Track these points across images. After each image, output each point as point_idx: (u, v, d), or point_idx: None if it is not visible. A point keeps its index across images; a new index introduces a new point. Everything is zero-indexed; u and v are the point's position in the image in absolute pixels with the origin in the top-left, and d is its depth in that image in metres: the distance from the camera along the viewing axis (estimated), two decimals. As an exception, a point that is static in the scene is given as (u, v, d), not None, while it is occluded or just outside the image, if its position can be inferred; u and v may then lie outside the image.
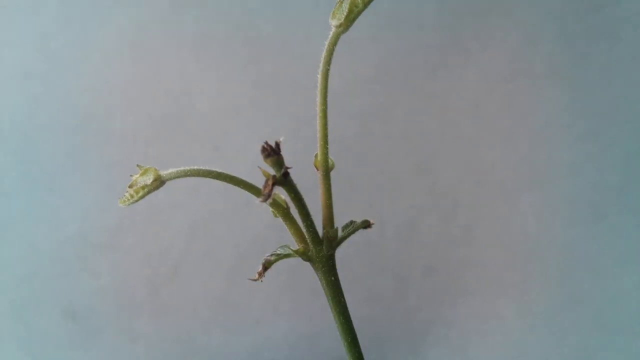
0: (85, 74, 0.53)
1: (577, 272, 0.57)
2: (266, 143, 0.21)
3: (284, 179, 0.22)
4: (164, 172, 0.24)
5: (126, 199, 0.24)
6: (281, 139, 0.22)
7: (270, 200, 0.22)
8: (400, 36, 0.55)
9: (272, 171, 0.22)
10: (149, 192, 0.24)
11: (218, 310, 0.57)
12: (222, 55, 0.53)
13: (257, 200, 0.21)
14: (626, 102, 0.55)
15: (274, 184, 0.21)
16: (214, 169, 0.24)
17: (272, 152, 0.21)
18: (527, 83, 0.56)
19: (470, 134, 0.56)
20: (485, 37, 0.55)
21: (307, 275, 0.55)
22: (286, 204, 0.24)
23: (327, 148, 0.23)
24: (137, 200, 0.24)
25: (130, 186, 0.24)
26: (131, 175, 0.24)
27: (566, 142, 0.55)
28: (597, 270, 0.56)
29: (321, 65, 0.23)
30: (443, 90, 0.56)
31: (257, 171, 0.22)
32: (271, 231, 0.55)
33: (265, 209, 0.46)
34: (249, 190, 0.23)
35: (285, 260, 0.59)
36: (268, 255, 0.24)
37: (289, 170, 0.22)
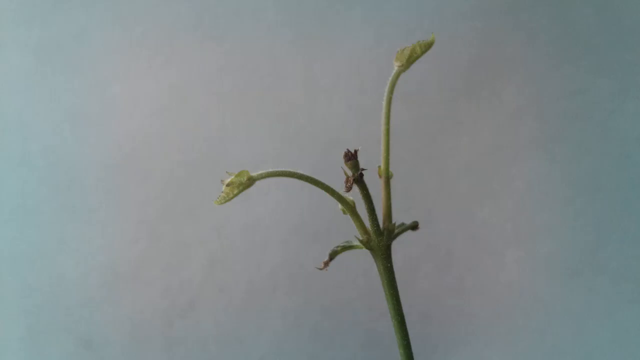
0: (133, 119, 0.59)
1: (556, 325, 0.62)
2: (348, 150, 0.28)
3: (360, 178, 0.28)
4: (254, 174, 0.28)
5: (222, 198, 0.27)
6: (359, 148, 0.28)
7: (350, 191, 0.28)
8: (406, 109, 0.63)
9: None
10: (243, 190, 0.28)
11: (226, 345, 0.60)
12: (257, 108, 0.60)
13: (342, 191, 0.27)
14: (596, 175, 0.63)
15: (353, 181, 0.27)
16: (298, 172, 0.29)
17: (352, 157, 0.28)
18: (511, 153, 0.64)
19: (463, 194, 0.63)
20: (475, 111, 0.64)
21: (311, 318, 0.60)
22: (353, 202, 0.30)
23: (388, 160, 0.29)
24: (231, 198, 0.27)
25: (228, 185, 0.27)
26: (222, 181, 0.28)
27: (546, 206, 0.63)
28: (575, 325, 0.62)
29: (386, 94, 0.29)
30: (440, 154, 0.63)
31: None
32: (282, 269, 0.60)
33: (280, 247, 0.52)
34: (325, 190, 0.29)
35: (292, 303, 0.64)
36: (335, 247, 0.30)
37: (363, 172, 0.28)
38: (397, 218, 0.30)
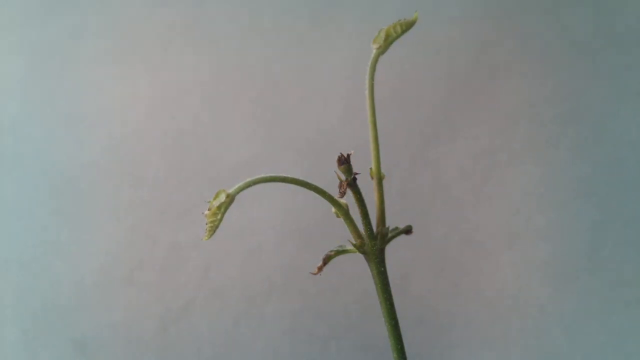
0: (129, 123, 0.59)
1: (552, 328, 0.62)
2: (341, 154, 0.28)
3: (353, 182, 0.28)
4: (231, 190, 0.27)
5: (209, 230, 0.26)
6: (352, 152, 0.28)
7: (344, 196, 0.28)
8: (402, 113, 0.63)
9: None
10: (226, 209, 0.27)
11: (221, 350, 0.60)
12: (252, 112, 0.60)
13: (335, 195, 0.27)
14: (591, 178, 0.63)
15: (347, 186, 0.27)
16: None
17: (345, 161, 0.28)
18: (506, 157, 0.64)
19: (458, 198, 0.63)
20: (470, 116, 0.64)
21: (306, 322, 0.60)
22: (347, 205, 0.29)
23: (379, 160, 0.29)
24: (218, 225, 0.26)
25: (209, 210, 0.26)
26: (202, 213, 0.27)
27: (541, 209, 0.63)
28: (571, 328, 0.62)
29: (367, 80, 0.29)
30: (436, 158, 0.63)
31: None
32: (276, 273, 0.60)
33: (276, 253, 0.53)
34: (315, 191, 0.28)
35: (287, 307, 0.64)
36: (329, 251, 0.30)
37: (356, 176, 0.28)
38: (392, 222, 0.30)
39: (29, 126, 0.60)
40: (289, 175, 0.28)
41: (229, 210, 0.27)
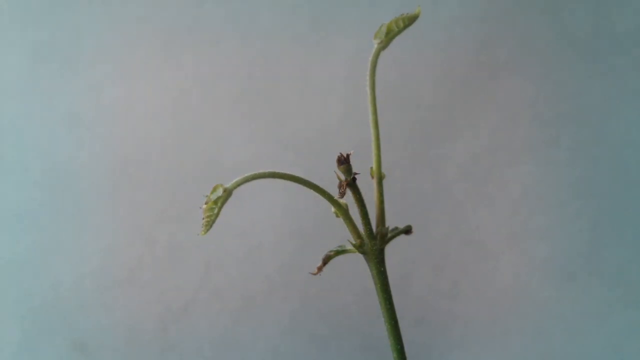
0: (129, 123, 0.59)
1: (551, 329, 0.63)
2: (341, 154, 0.28)
3: (353, 182, 0.28)
4: (229, 184, 0.26)
5: (205, 224, 0.26)
6: (352, 152, 0.28)
7: (344, 196, 0.28)
8: (402, 113, 0.63)
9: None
10: (223, 204, 0.26)
11: (221, 350, 0.60)
12: (253, 112, 0.60)
13: (335, 196, 0.27)
14: (591, 178, 0.63)
15: (346, 186, 0.27)
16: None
17: (345, 161, 0.28)
18: (506, 157, 0.64)
19: (458, 197, 0.63)
20: (471, 116, 0.64)
21: (307, 322, 0.60)
22: (346, 205, 0.29)
23: (380, 159, 0.29)
24: (215, 219, 0.26)
25: (206, 204, 0.26)
26: (200, 207, 0.26)
27: (541, 210, 0.63)
28: (570, 328, 0.62)
29: (368, 77, 0.29)
30: (435, 158, 0.63)
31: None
32: (277, 273, 0.60)
33: (276, 253, 0.52)
34: (313, 189, 0.28)
35: (287, 307, 0.64)
36: (328, 251, 0.30)
37: (356, 176, 0.28)
38: (391, 222, 0.30)
39: (29, 126, 0.60)
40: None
41: (229, 211, 0.27)
